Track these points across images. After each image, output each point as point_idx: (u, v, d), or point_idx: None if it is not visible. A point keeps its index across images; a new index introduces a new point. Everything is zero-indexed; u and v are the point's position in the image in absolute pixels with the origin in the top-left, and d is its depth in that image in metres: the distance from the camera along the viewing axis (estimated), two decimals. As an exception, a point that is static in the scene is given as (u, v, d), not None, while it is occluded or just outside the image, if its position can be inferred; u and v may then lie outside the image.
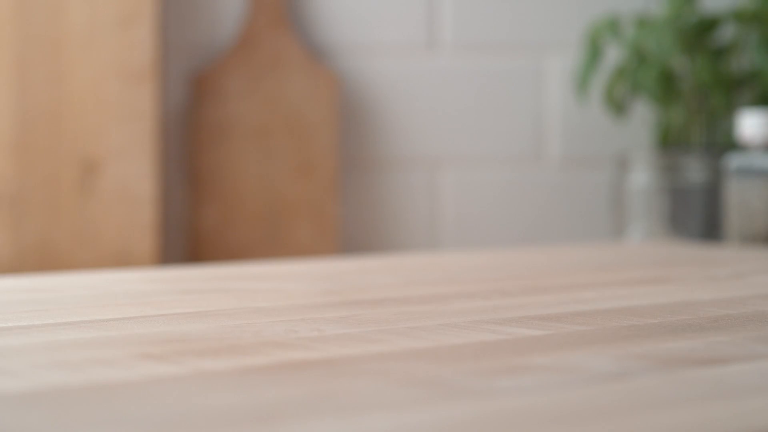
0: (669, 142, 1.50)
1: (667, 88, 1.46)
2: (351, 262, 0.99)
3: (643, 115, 1.57)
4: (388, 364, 0.46)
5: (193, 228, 1.48)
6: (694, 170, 1.44)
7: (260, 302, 0.64)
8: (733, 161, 1.25)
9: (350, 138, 1.55)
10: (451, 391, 0.42)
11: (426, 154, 1.56)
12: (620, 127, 1.58)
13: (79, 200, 1.39)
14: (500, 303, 0.65)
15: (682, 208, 1.45)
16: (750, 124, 1.24)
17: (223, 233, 1.48)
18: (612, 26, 1.48)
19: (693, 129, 1.49)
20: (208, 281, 0.80)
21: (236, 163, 1.49)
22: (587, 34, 1.49)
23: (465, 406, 0.39)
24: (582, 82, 1.48)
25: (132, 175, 1.40)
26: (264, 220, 1.49)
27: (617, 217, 1.52)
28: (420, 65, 1.56)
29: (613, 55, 1.52)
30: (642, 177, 1.47)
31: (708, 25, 1.47)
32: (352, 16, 1.56)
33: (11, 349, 0.49)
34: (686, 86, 1.48)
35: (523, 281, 0.80)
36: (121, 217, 1.39)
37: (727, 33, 1.51)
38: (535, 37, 1.54)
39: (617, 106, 1.50)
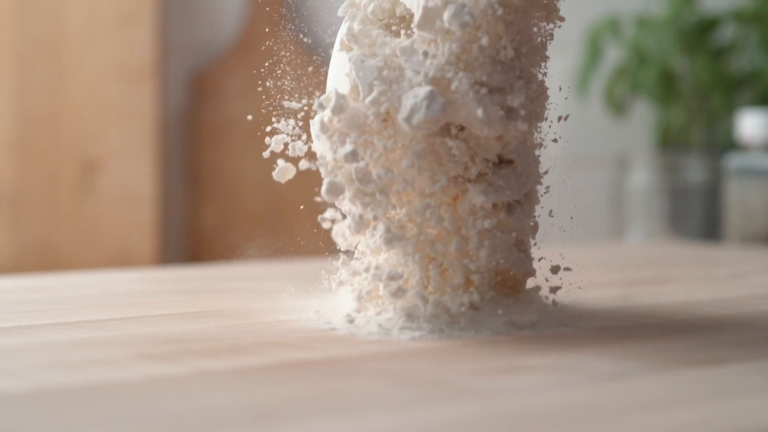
0: (669, 142, 1.50)
1: (667, 88, 1.46)
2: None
3: (643, 115, 1.57)
4: (388, 364, 0.46)
5: (193, 228, 1.48)
6: (694, 170, 1.44)
7: (260, 302, 0.64)
8: (733, 161, 1.24)
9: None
10: (451, 391, 0.42)
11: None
12: (620, 127, 1.58)
13: (79, 200, 1.39)
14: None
15: (682, 208, 1.45)
16: (750, 124, 1.24)
17: (223, 233, 1.48)
18: (612, 26, 1.48)
19: (693, 129, 1.49)
20: (208, 281, 0.80)
21: (236, 163, 1.49)
22: (587, 34, 1.49)
23: (465, 406, 0.39)
24: (582, 82, 1.48)
25: (132, 175, 1.40)
26: (264, 220, 1.49)
27: (617, 217, 1.52)
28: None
29: (613, 55, 1.52)
30: (642, 177, 1.47)
31: (708, 25, 1.47)
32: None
33: (11, 349, 0.49)
34: (686, 86, 1.48)
35: (523, 281, 0.79)
36: (121, 217, 1.39)
37: (727, 33, 1.51)
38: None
39: (617, 106, 1.50)
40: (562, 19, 0.59)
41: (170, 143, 1.49)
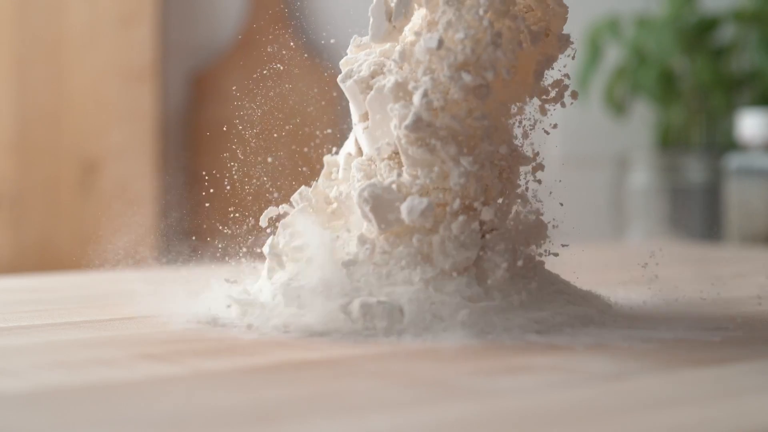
0: (669, 142, 1.50)
1: (667, 88, 1.46)
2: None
3: (643, 115, 1.57)
4: (388, 364, 0.46)
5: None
6: (694, 170, 1.44)
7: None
8: (733, 161, 1.24)
9: (350, 138, 1.55)
10: (451, 391, 0.42)
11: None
12: (620, 127, 1.58)
13: (79, 200, 1.39)
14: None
15: (682, 208, 1.45)
16: (750, 124, 1.24)
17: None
18: (612, 26, 1.48)
19: (693, 129, 1.49)
20: (208, 281, 0.80)
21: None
22: (587, 34, 1.49)
23: (465, 406, 0.39)
24: (582, 82, 1.48)
25: (132, 175, 1.40)
26: (264, 220, 1.49)
27: (617, 217, 1.52)
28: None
29: (613, 55, 1.52)
30: (642, 177, 1.47)
31: (708, 25, 1.47)
32: (351, 16, 1.56)
33: (11, 349, 0.49)
34: (686, 86, 1.48)
35: (523, 281, 0.79)
36: (121, 217, 1.39)
37: (727, 33, 1.51)
38: (535, 37, 1.54)
39: (617, 106, 1.50)
40: (575, 96, 0.55)
41: (170, 143, 1.49)
